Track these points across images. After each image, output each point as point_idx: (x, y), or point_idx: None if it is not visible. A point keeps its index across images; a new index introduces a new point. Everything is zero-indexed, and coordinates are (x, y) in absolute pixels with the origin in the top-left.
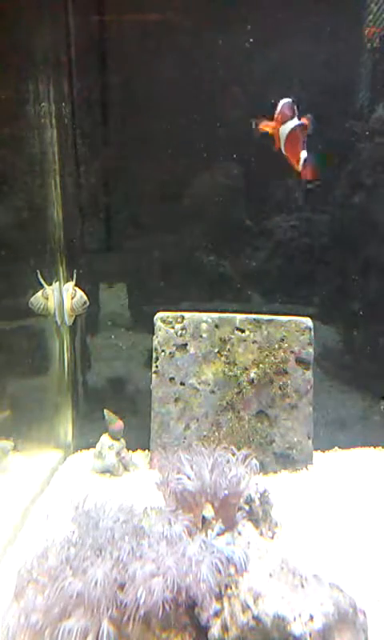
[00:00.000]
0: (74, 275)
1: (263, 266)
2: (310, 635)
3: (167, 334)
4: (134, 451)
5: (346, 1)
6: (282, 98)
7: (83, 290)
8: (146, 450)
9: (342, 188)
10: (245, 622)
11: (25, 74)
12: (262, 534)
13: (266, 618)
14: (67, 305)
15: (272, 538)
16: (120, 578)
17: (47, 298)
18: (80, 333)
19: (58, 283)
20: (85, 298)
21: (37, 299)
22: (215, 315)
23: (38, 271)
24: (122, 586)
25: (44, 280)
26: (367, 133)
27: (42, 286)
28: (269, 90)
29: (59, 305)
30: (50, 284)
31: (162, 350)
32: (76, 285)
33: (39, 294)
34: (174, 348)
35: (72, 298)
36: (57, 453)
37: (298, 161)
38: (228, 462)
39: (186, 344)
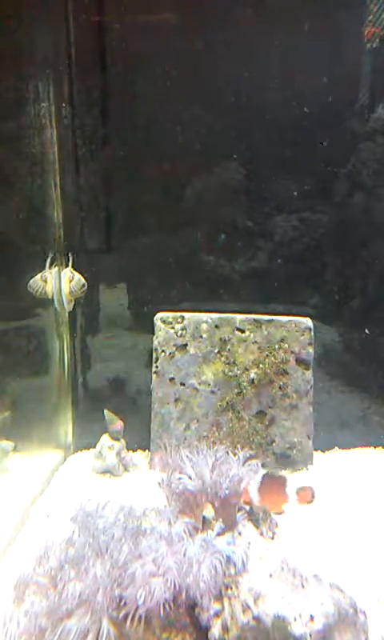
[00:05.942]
0: (71, 259)
1: (263, 266)
2: (311, 635)
3: (167, 334)
4: (134, 451)
5: (346, 1)
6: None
7: (81, 273)
8: (146, 450)
9: (341, 188)
10: (245, 623)
11: (25, 74)
12: (262, 534)
13: (267, 618)
14: (65, 289)
15: (272, 538)
16: (120, 578)
17: (46, 281)
18: (80, 333)
19: (56, 268)
20: (83, 280)
21: (35, 282)
22: (215, 315)
23: (50, 254)
24: (122, 586)
25: (48, 262)
26: (367, 133)
27: (42, 269)
28: (270, 90)
29: (57, 290)
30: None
31: (162, 351)
32: (73, 267)
33: (38, 276)
34: (174, 348)
35: (70, 282)
36: (57, 453)
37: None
38: (229, 461)
39: (186, 344)
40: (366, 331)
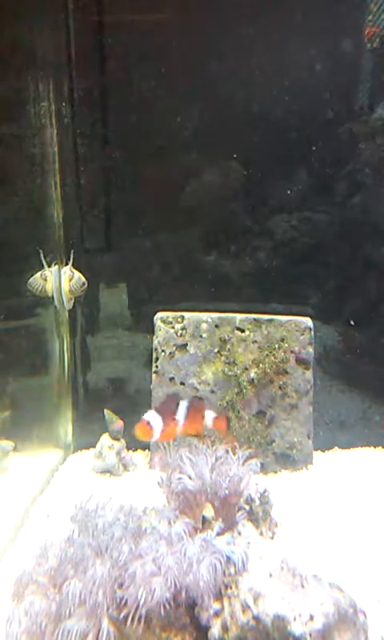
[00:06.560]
0: (71, 257)
1: (263, 266)
2: (310, 635)
3: (167, 334)
4: (134, 451)
5: (346, 1)
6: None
7: (80, 272)
8: (146, 450)
9: (342, 188)
10: (245, 622)
11: (25, 74)
12: (262, 533)
13: (266, 617)
14: (65, 287)
15: (272, 537)
16: (120, 578)
17: (46, 280)
18: (80, 333)
19: (56, 266)
20: (82, 279)
21: (35, 280)
22: (215, 315)
23: (40, 250)
24: (122, 586)
25: (45, 260)
26: (367, 133)
27: (42, 267)
28: (269, 90)
29: (57, 288)
30: (50, 265)
31: (162, 350)
32: (73, 266)
33: (38, 275)
34: (174, 348)
35: (70, 280)
36: (57, 453)
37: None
38: (228, 461)
39: (186, 344)
40: (351, 323)
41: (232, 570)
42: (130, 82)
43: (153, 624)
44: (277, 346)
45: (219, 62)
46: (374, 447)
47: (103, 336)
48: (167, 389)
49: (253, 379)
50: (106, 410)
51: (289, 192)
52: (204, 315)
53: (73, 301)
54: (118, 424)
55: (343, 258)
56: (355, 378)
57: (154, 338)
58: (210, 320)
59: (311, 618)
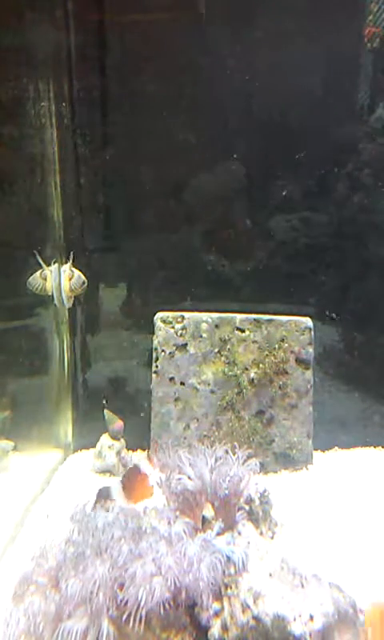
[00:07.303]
0: (71, 256)
1: (263, 266)
2: (310, 635)
3: (167, 334)
4: (133, 451)
5: (345, 1)
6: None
7: (80, 271)
8: (146, 450)
9: (342, 188)
10: (245, 622)
11: (25, 74)
12: (261, 533)
13: (266, 617)
14: (65, 286)
15: (272, 537)
16: (120, 578)
17: (45, 279)
18: (80, 333)
19: (56, 265)
20: (83, 277)
21: (35, 279)
22: (215, 315)
23: (36, 251)
24: (122, 586)
25: (43, 260)
26: (367, 133)
27: (40, 267)
28: (269, 90)
29: (57, 287)
30: (49, 264)
31: (162, 350)
32: (73, 265)
33: (37, 274)
34: (174, 348)
35: (70, 279)
36: (57, 452)
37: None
38: (228, 461)
39: (186, 344)
40: (333, 315)
41: (232, 570)
42: (129, 81)
43: (153, 624)
44: (277, 345)
45: (219, 62)
46: (374, 447)
47: (103, 335)
48: (167, 389)
49: (253, 379)
50: (105, 410)
51: (288, 192)
52: (204, 315)
53: (73, 299)
54: (117, 424)
55: (343, 257)
56: (355, 378)
57: (154, 337)
58: (210, 320)
59: (311, 617)
